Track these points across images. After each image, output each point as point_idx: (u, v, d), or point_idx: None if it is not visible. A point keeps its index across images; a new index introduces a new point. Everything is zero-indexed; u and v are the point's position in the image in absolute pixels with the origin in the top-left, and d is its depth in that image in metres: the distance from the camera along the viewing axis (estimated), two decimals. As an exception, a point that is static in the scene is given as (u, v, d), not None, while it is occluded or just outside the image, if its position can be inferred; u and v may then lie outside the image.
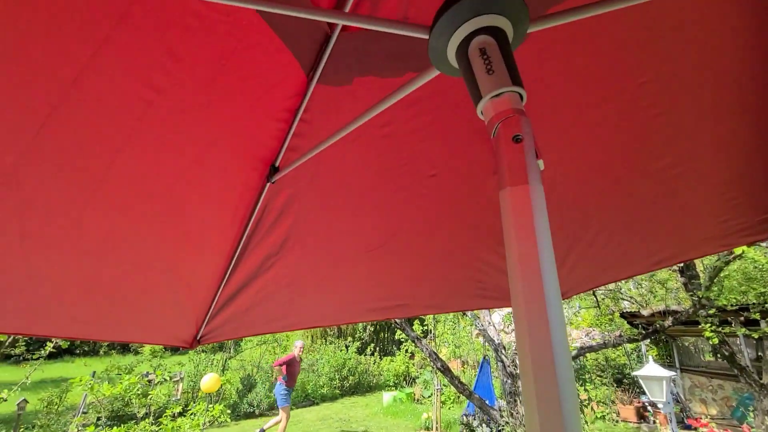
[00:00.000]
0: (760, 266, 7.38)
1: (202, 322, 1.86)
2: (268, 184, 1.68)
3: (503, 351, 9.38)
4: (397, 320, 10.04)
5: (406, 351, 14.97)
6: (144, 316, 1.82)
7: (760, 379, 7.31)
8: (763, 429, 7.04)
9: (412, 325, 12.68)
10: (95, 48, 1.08)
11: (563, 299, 1.99)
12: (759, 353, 9.04)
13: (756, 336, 7.41)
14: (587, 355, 12.28)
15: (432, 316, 13.23)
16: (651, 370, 5.84)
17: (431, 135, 1.66)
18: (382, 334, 18.62)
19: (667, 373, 5.71)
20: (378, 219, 1.83)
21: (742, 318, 7.91)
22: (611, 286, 10.99)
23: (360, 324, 17.43)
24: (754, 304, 7.49)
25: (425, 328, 13.22)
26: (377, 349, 17.34)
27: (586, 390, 11.65)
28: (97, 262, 1.44)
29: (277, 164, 1.68)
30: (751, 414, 8.52)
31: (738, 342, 9.70)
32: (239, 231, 1.70)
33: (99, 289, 1.55)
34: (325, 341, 17.40)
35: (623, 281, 10.67)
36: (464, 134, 1.64)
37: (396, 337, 12.46)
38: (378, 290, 1.99)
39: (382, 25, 1.18)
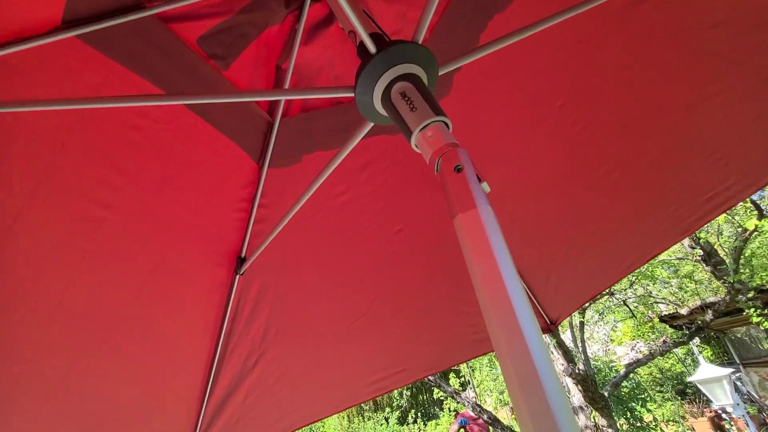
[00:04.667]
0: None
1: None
2: (238, 277, 1.65)
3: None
4: (431, 378, 9.40)
5: (450, 410, 13.84)
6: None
7: (827, 355, 6.70)
8: None
9: (448, 379, 11.86)
10: (38, 179, 1.09)
11: (556, 325, 1.88)
12: (815, 328, 8.37)
13: (804, 311, 6.92)
14: (638, 371, 11.42)
15: (466, 364, 12.48)
16: (706, 371, 5.36)
17: (388, 193, 1.66)
18: (421, 396, 17.41)
19: (723, 371, 5.24)
20: (355, 288, 1.77)
21: (784, 294, 7.43)
22: (640, 291, 10.53)
23: (395, 390, 16.38)
24: (789, 276, 7.10)
25: (462, 379, 12.41)
26: (419, 414, 16.13)
27: (648, 410, 10.61)
28: (59, 407, 1.35)
29: (243, 254, 1.66)
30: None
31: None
32: (214, 334, 1.63)
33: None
34: (363, 418, 16.26)
35: (652, 285, 10.21)
36: (417, 185, 1.64)
37: (435, 396, 11.63)
38: (371, 363, 1.88)
39: (312, 93, 1.28)
